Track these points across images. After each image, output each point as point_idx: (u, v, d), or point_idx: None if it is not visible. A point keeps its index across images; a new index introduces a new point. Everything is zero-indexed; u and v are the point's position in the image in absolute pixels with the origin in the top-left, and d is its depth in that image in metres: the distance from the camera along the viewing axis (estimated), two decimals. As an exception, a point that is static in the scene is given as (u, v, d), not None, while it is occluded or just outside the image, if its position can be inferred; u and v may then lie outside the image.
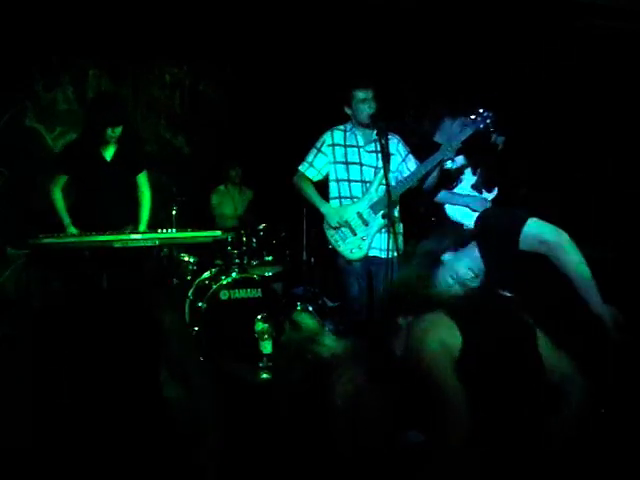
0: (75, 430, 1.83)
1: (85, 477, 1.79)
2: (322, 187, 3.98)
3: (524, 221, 2.30)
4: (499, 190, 4.11)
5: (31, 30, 5.02)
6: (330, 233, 3.85)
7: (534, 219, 2.31)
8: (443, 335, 1.89)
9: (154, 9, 5.22)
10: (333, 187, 3.91)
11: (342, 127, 3.93)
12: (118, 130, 4.06)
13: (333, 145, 3.89)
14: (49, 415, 1.82)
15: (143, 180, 4.36)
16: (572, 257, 2.23)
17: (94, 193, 4.15)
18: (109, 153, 4.16)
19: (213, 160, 5.83)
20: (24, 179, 5.22)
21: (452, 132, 3.85)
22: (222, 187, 5.84)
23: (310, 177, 3.92)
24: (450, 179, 4.12)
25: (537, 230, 2.28)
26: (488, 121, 3.64)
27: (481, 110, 3.66)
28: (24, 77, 5.27)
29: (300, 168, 3.95)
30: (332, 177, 3.90)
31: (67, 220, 4.14)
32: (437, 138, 3.99)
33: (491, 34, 5.27)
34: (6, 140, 5.20)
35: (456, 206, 4.12)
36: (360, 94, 3.74)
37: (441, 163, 3.73)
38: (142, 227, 4.27)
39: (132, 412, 1.86)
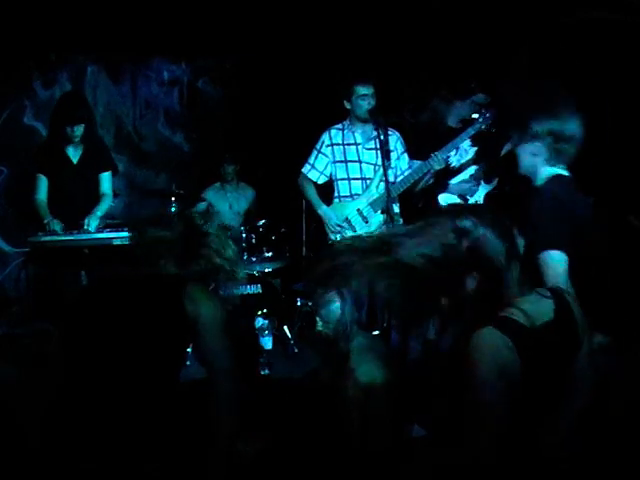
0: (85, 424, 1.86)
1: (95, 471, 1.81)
2: (324, 186, 3.97)
3: None
4: (499, 183, 4.13)
5: (29, 27, 5.00)
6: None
7: None
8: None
9: (153, 5, 5.20)
10: (334, 186, 3.93)
11: (339, 125, 3.92)
12: (79, 129, 4.03)
13: (332, 145, 3.88)
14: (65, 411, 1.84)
15: (105, 180, 4.28)
16: None
17: (60, 193, 4.14)
18: (76, 155, 4.16)
19: (212, 157, 5.80)
20: (23, 177, 5.21)
21: (464, 113, 3.86)
22: (218, 184, 5.79)
23: (314, 179, 3.91)
24: (452, 172, 4.17)
25: None
26: (489, 121, 3.64)
27: (483, 110, 3.66)
28: (22, 74, 5.25)
29: (303, 170, 3.96)
30: (333, 177, 3.91)
31: (48, 217, 4.02)
32: (450, 122, 4.01)
33: (490, 30, 5.25)
34: (5, 138, 5.19)
35: (450, 196, 4.17)
36: (361, 90, 3.73)
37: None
38: (92, 226, 4.04)
39: (150, 404, 1.88)
